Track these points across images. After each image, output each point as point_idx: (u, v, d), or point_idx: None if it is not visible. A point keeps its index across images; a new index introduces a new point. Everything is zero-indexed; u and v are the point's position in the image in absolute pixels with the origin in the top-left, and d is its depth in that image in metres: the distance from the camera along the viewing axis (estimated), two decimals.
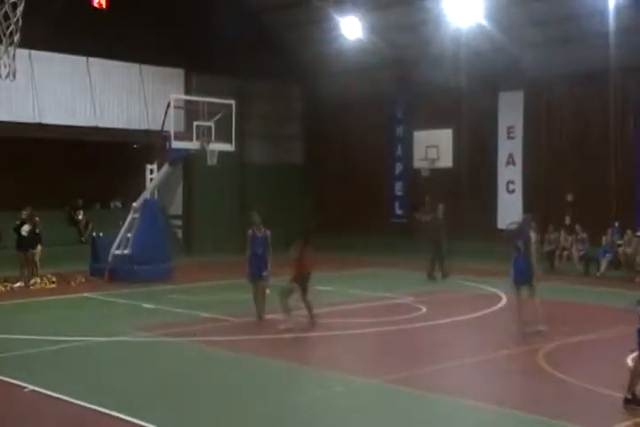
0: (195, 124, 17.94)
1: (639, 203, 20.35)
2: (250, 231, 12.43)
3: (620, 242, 19.14)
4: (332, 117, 26.71)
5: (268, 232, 12.31)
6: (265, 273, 12.27)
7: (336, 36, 24.06)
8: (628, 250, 18.74)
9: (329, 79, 26.36)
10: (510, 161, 22.86)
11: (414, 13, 22.52)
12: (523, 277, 11.31)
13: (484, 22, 20.89)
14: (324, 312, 13.29)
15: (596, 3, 19.40)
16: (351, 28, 23.56)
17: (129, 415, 7.44)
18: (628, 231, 19.16)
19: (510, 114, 22.73)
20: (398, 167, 25.57)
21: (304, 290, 11.78)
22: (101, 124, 22.05)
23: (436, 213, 18.32)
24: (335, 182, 26.68)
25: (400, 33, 23.77)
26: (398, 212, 25.66)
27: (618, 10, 19.15)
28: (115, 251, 17.78)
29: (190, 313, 13.38)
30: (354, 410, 7.98)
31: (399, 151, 25.47)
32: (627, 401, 7.61)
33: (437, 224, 18.14)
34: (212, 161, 18.13)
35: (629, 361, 9.72)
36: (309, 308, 11.93)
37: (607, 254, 19.09)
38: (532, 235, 11.57)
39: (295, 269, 11.73)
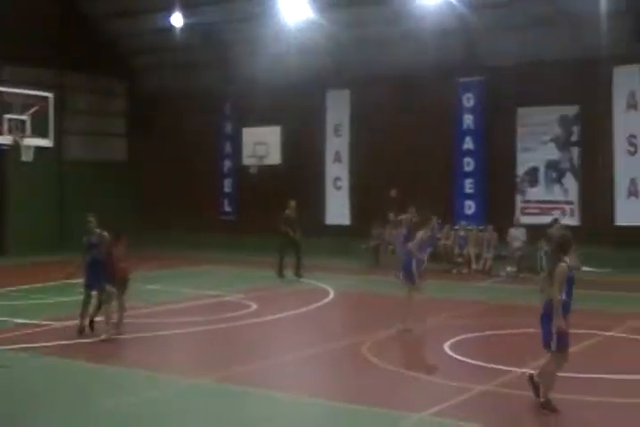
0: (6, 117, 16.75)
1: (457, 199, 21.48)
2: (85, 237, 11.67)
3: (439, 236, 20.11)
4: (160, 114, 26.01)
5: (105, 234, 11.59)
6: (102, 279, 11.49)
7: (163, 31, 23.39)
8: (447, 243, 19.82)
9: (157, 74, 25.64)
10: (337, 158, 23.39)
11: (243, 9, 22.37)
12: (404, 276, 11.88)
13: (313, 20, 21.16)
14: (151, 312, 12.95)
15: (416, 5, 20.17)
16: (178, 23, 22.99)
17: None
18: (447, 226, 20.23)
19: (337, 112, 23.23)
20: (227, 164, 25.39)
21: (120, 293, 11.20)
22: None
23: (286, 210, 18.04)
24: (164, 180, 26.02)
25: (228, 29, 23.56)
26: (227, 209, 25.47)
27: (434, 13, 20.04)
28: None
29: (2, 320, 12.38)
30: (181, 410, 7.71)
31: (228, 148, 25.28)
32: (542, 406, 7.39)
33: (289, 221, 17.94)
34: (27, 157, 17.08)
35: (447, 349, 10.18)
36: (121, 312, 11.32)
37: (428, 248, 19.97)
38: (414, 240, 11.90)
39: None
